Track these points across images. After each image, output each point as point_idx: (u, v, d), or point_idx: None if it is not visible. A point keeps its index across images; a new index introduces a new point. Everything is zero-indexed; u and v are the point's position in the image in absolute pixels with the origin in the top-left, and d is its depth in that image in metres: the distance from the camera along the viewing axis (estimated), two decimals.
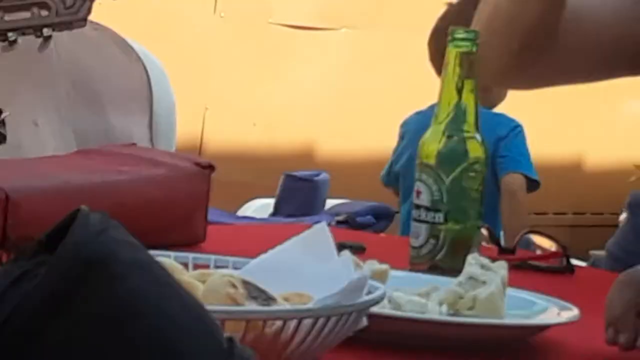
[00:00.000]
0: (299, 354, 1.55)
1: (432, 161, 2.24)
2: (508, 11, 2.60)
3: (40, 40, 2.18)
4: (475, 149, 2.24)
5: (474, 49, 2.26)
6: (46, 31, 2.17)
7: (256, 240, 1.99)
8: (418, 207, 2.24)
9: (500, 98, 6.53)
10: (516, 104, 6.30)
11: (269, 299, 1.57)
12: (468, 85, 2.26)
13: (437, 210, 2.21)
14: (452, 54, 2.27)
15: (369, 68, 6.09)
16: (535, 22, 2.58)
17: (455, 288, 1.89)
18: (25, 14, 2.18)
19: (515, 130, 6.44)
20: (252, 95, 7.25)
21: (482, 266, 1.91)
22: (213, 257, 1.82)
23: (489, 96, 6.20)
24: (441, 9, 5.43)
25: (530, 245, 2.70)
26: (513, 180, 6.55)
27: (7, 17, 2.19)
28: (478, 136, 2.25)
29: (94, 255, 0.88)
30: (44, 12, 2.16)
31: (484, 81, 2.73)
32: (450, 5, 5.72)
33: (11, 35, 2.16)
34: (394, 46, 5.66)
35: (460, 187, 2.23)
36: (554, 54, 2.61)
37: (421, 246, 2.22)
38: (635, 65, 2.69)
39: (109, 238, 0.89)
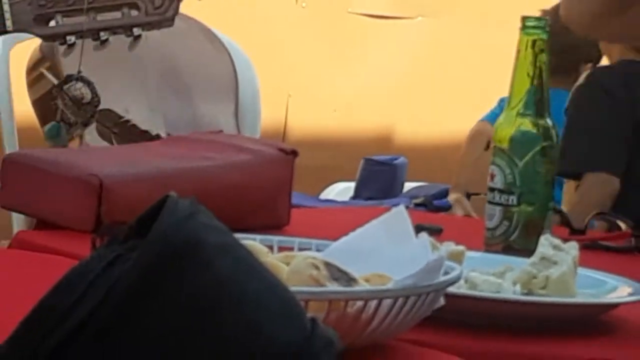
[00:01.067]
0: (379, 333, 1.56)
1: (505, 145, 2.24)
2: None
3: (130, 39, 2.19)
4: (547, 134, 2.23)
5: (545, 36, 2.26)
6: (136, 31, 2.18)
7: (338, 223, 1.99)
8: (492, 189, 2.24)
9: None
10: None
11: (350, 280, 1.57)
12: (539, 71, 2.25)
13: (510, 193, 2.21)
14: (523, 41, 2.27)
15: (444, 55, 6.06)
16: None
17: (529, 268, 1.88)
18: (116, 14, 2.19)
19: None
20: (333, 82, 7.23)
21: (554, 247, 1.91)
22: (297, 239, 1.83)
23: (571, 81, 6.15)
24: None
25: (604, 225, 2.69)
26: None
27: (99, 17, 2.20)
28: (549, 121, 2.24)
29: (183, 240, 0.89)
30: (134, 12, 2.18)
31: (577, 30, 2.80)
32: None
33: (103, 35, 2.18)
34: (469, 35, 5.64)
35: (533, 171, 2.23)
36: (637, 9, 2.61)
37: (495, 227, 2.22)
38: None
39: (196, 223, 0.90)
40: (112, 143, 3.29)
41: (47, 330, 0.84)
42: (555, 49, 5.52)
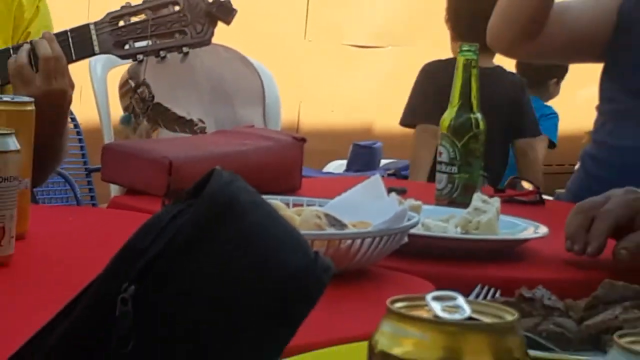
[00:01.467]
0: (362, 262, 1.59)
1: (449, 132, 2.23)
2: (515, 5, 2.59)
3: (181, 55, 2.20)
4: (477, 124, 2.23)
5: (474, 57, 2.24)
6: (185, 49, 2.18)
7: (334, 187, 2.00)
8: (440, 162, 2.24)
9: (553, 95, 6.45)
10: None
11: (342, 226, 1.59)
12: (470, 81, 2.25)
13: (452, 165, 2.21)
14: (460, 60, 2.26)
15: (408, 72, 5.98)
16: (532, 13, 2.56)
17: (466, 215, 1.89)
18: (171, 38, 2.19)
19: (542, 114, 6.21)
20: (331, 92, 7.27)
21: (483, 201, 1.92)
22: (305, 199, 1.87)
23: (545, 92, 6.20)
24: None
25: (518, 186, 2.67)
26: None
27: (158, 42, 2.20)
28: (479, 115, 2.23)
29: (224, 199, 0.89)
30: (182, 36, 2.17)
31: (499, 52, 2.86)
32: None
33: (162, 53, 2.18)
34: (425, 58, 5.61)
35: (468, 149, 2.22)
36: (543, 37, 2.59)
37: (442, 189, 2.22)
38: (596, 54, 2.67)
39: (234, 187, 0.91)
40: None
41: (131, 263, 0.84)
42: (531, 68, 5.58)
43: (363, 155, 5.81)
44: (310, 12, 7.57)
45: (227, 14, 2.19)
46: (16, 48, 2.17)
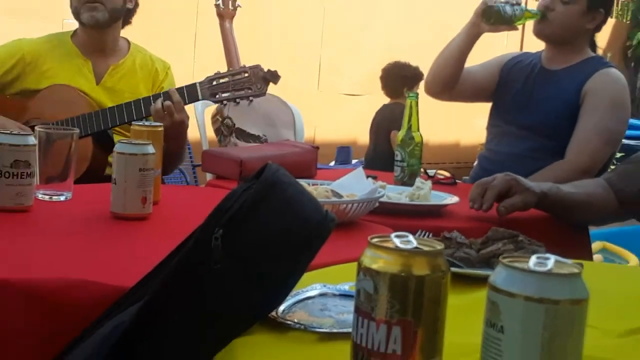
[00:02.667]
0: (352, 216, 1.56)
1: (401, 143, 2.21)
2: (441, 67, 2.56)
3: (248, 101, 2.21)
4: (417, 139, 2.19)
5: (416, 99, 2.20)
6: (250, 98, 2.20)
7: (335, 174, 1.98)
8: (396, 160, 2.20)
9: None
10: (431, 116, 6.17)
11: (340, 196, 1.58)
12: (412, 114, 2.21)
13: (403, 162, 2.18)
14: (408, 102, 2.22)
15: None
16: (450, 73, 2.53)
17: (412, 191, 1.86)
18: (243, 92, 2.20)
19: None
20: (332, 121, 7.24)
21: (421, 183, 1.89)
22: (319, 181, 1.84)
23: None
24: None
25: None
26: None
27: (235, 94, 2.22)
28: (418, 133, 2.20)
29: (272, 180, 0.89)
30: (249, 91, 2.19)
31: (432, 97, 2.68)
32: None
33: (237, 100, 2.20)
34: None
35: (412, 153, 2.19)
36: (457, 88, 2.57)
37: (398, 175, 2.19)
38: (487, 97, 2.65)
39: (279, 174, 0.90)
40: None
41: (220, 216, 0.84)
42: None
43: (342, 154, 5.89)
44: (321, 73, 7.55)
45: (275, 78, 2.21)
46: (156, 97, 2.18)
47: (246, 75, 2.20)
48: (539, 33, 2.52)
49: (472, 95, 2.68)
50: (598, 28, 2.55)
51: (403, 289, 0.66)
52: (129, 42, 2.54)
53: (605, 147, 2.40)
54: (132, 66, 2.49)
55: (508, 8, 2.39)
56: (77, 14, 2.38)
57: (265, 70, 2.21)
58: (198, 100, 2.25)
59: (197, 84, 2.21)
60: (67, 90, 2.34)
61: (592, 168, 2.32)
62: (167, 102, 2.13)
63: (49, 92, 2.35)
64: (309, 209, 0.92)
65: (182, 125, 2.20)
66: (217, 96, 2.22)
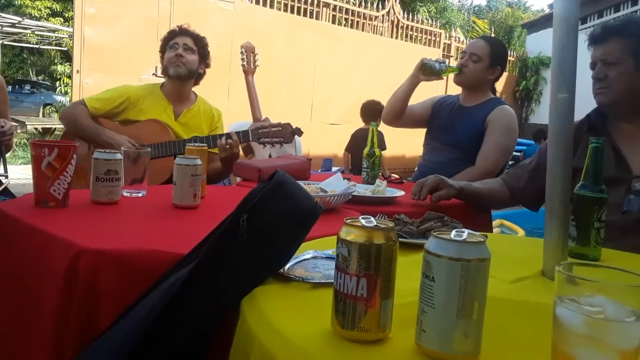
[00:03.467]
0: (333, 206, 1.54)
1: (367, 156, 2.20)
2: (392, 105, 2.56)
3: (279, 146, 2.32)
4: (377, 153, 2.19)
5: (377, 127, 2.21)
6: (284, 144, 2.31)
7: (322, 177, 1.97)
8: (363, 168, 2.21)
9: None
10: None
11: (325, 192, 1.56)
12: (374, 138, 2.20)
13: (368, 169, 2.18)
14: (370, 129, 2.21)
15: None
16: (399, 108, 2.53)
17: (373, 187, 1.85)
18: (276, 138, 2.28)
19: None
20: (321, 143, 7.20)
21: (380, 183, 1.88)
22: (312, 182, 1.81)
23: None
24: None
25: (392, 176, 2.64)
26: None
27: (272, 139, 2.28)
28: (377, 150, 2.20)
29: (280, 181, 0.88)
30: (282, 139, 2.27)
31: (386, 124, 2.68)
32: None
33: (273, 145, 2.31)
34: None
35: (373, 162, 2.19)
36: (403, 118, 2.57)
37: (364, 177, 2.19)
38: (424, 125, 2.66)
39: (285, 177, 0.90)
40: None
41: (245, 205, 0.84)
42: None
43: (326, 164, 5.88)
44: (313, 109, 7.56)
45: (300, 133, 2.31)
46: (220, 136, 2.23)
47: (280, 129, 2.30)
48: (458, 82, 2.56)
49: (413, 123, 2.69)
50: (497, 79, 2.59)
51: (367, 253, 0.67)
52: (196, 94, 2.57)
53: (502, 158, 2.44)
54: (198, 110, 2.51)
55: (437, 65, 2.45)
56: (166, 69, 2.44)
57: (294, 127, 2.32)
58: (249, 141, 2.31)
59: (249, 131, 2.29)
60: (157, 123, 2.37)
61: (493, 172, 2.35)
62: (230, 140, 2.19)
63: (145, 124, 2.37)
64: (305, 200, 0.92)
65: (236, 156, 2.24)
66: (261, 140, 2.30)
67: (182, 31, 2.49)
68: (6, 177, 2.03)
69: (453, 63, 2.71)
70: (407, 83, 2.53)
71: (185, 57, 2.42)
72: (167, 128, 2.37)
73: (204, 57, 2.51)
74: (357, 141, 5.19)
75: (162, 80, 2.53)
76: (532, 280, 0.93)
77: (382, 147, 6.01)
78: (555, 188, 0.91)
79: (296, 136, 3.66)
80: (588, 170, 1.17)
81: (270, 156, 3.20)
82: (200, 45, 2.50)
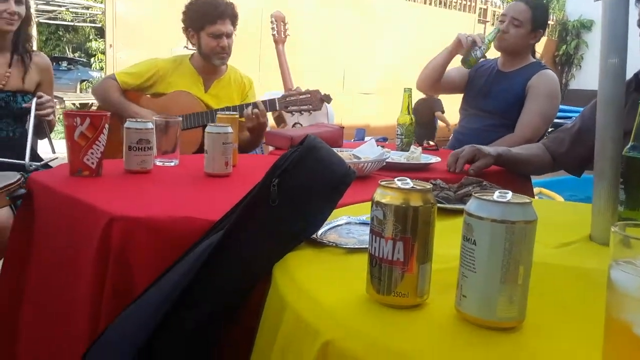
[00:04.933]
0: (367, 172, 1.52)
1: (402, 123, 2.15)
2: (429, 72, 2.47)
3: (308, 114, 2.29)
4: (411, 120, 2.13)
5: (410, 94, 2.15)
6: (311, 111, 2.26)
7: (355, 146, 1.94)
8: (397, 135, 2.17)
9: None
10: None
11: (359, 158, 1.53)
12: (409, 104, 2.15)
13: (402, 135, 2.14)
14: (404, 96, 2.16)
15: (393, 107, 5.82)
16: (436, 76, 2.46)
17: (408, 154, 1.82)
18: (305, 106, 2.25)
19: None
20: (353, 113, 7.13)
21: (415, 149, 1.84)
22: (344, 149, 1.78)
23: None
24: None
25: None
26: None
27: (301, 107, 2.25)
28: (412, 116, 2.14)
29: (312, 145, 0.85)
30: (309, 106, 2.24)
31: (422, 92, 2.64)
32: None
33: (302, 113, 2.27)
34: (392, 101, 5.47)
35: (407, 130, 2.14)
36: (440, 85, 2.50)
37: (399, 144, 2.16)
38: (461, 90, 2.57)
39: (316, 141, 0.87)
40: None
41: (276, 170, 0.82)
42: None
43: (359, 134, 5.78)
44: (345, 79, 7.46)
45: (329, 100, 2.25)
46: (247, 105, 2.20)
47: (308, 96, 2.25)
48: (499, 48, 2.46)
49: (449, 90, 2.61)
50: (538, 41, 2.47)
51: (404, 216, 0.63)
52: (226, 64, 2.53)
53: (543, 125, 2.35)
54: (228, 80, 2.48)
55: (479, 52, 2.33)
56: (207, 58, 2.38)
57: (322, 94, 2.25)
58: (275, 110, 2.28)
59: (276, 99, 2.25)
60: (187, 95, 2.35)
61: (533, 140, 2.26)
62: (255, 110, 2.16)
63: (174, 95, 2.36)
64: (337, 164, 0.89)
65: (263, 125, 2.22)
66: (289, 108, 2.26)
67: (222, 13, 2.36)
68: (54, 154, 2.04)
69: (490, 28, 2.57)
70: (444, 55, 2.44)
71: (228, 46, 2.38)
72: (197, 100, 2.36)
73: (236, 28, 2.45)
74: (418, 110, 5.19)
75: (191, 52, 2.50)
76: (579, 245, 0.88)
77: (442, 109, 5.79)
78: (606, 151, 0.86)
79: (328, 106, 3.60)
80: (638, 130, 1.09)
81: (300, 125, 3.16)
82: (236, 22, 2.43)
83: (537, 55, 2.63)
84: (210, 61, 2.39)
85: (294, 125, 3.13)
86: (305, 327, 0.61)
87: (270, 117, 3.88)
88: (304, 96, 2.25)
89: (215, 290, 0.78)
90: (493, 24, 9.04)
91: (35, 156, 2.06)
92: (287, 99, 2.24)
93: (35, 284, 1.24)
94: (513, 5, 2.46)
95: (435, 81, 2.50)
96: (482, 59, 2.36)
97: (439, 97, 5.85)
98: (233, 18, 2.40)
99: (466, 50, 2.32)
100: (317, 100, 2.24)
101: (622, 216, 1.07)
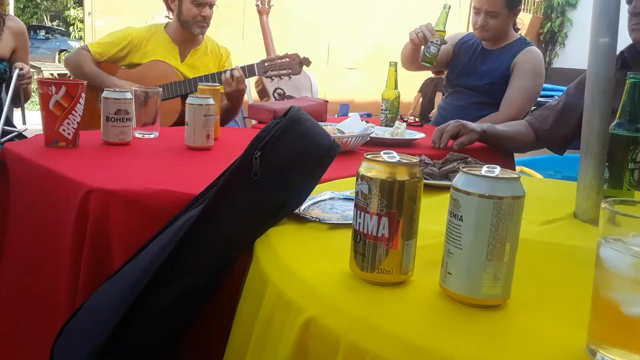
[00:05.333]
0: (351, 147, 1.50)
1: (386, 98, 2.13)
2: (408, 52, 2.37)
3: (287, 77, 2.18)
4: (396, 95, 2.11)
5: (396, 68, 2.12)
6: (290, 75, 2.19)
7: (339, 120, 1.91)
8: (382, 110, 2.15)
9: None
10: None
11: (343, 132, 1.51)
12: (394, 79, 2.12)
13: (387, 110, 2.11)
14: (390, 70, 2.12)
15: (367, 83, 5.76)
16: (411, 60, 2.38)
17: (392, 129, 1.80)
18: (284, 71, 2.20)
19: None
20: (336, 87, 7.06)
21: (399, 124, 1.82)
22: (329, 123, 1.75)
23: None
24: None
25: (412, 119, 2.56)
26: None
27: (280, 72, 2.20)
28: (397, 91, 2.12)
29: (295, 117, 0.83)
30: (289, 70, 2.19)
31: (406, 69, 2.47)
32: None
33: (281, 77, 2.22)
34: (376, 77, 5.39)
35: (394, 104, 2.12)
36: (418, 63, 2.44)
37: (383, 120, 2.13)
38: (444, 67, 2.53)
39: (300, 112, 0.85)
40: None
41: (258, 142, 0.79)
42: None
43: (343, 109, 5.73)
44: (329, 53, 7.38)
45: (308, 62, 2.19)
46: (225, 71, 2.16)
47: (287, 60, 2.19)
48: (483, 39, 2.39)
49: (433, 67, 2.56)
50: (517, 15, 2.43)
51: (389, 190, 0.61)
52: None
53: (527, 103, 2.33)
54: (205, 50, 2.42)
55: (433, 49, 2.14)
56: (187, 25, 2.31)
57: (301, 57, 2.19)
58: (254, 75, 2.22)
59: (255, 65, 2.19)
60: (163, 64, 2.30)
61: (517, 118, 2.24)
62: (235, 73, 2.13)
63: (150, 65, 2.30)
64: (321, 136, 0.87)
65: (242, 91, 2.19)
66: (267, 73, 2.21)
67: None
68: (24, 126, 2.00)
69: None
70: (409, 48, 2.34)
71: (209, 16, 2.32)
72: (172, 69, 2.30)
73: None
74: (424, 88, 5.22)
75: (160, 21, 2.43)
76: (564, 222, 0.87)
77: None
78: (594, 128, 0.85)
79: (312, 79, 3.53)
80: (624, 107, 1.08)
81: (282, 90, 3.10)
82: None
83: (519, 24, 2.57)
84: (190, 29, 2.32)
85: (275, 91, 3.09)
86: (288, 303, 0.60)
87: (253, 91, 3.83)
88: (282, 60, 2.19)
89: (195, 265, 0.76)
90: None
91: (9, 126, 2.00)
92: (266, 64, 2.20)
93: (11, 259, 1.21)
94: None
95: (412, 63, 2.42)
96: (443, 45, 2.16)
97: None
98: None
99: (422, 46, 2.20)
100: (296, 64, 2.18)
101: (605, 195, 1.07)
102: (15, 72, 1.95)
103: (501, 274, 0.58)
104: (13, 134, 1.80)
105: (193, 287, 0.76)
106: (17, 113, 2.20)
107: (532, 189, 1.14)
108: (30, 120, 2.21)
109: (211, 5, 2.33)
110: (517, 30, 2.49)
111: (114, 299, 0.78)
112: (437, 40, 2.15)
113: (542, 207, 0.96)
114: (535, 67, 2.34)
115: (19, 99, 2.07)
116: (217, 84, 1.69)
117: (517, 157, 3.05)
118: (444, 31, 2.17)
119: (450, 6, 2.14)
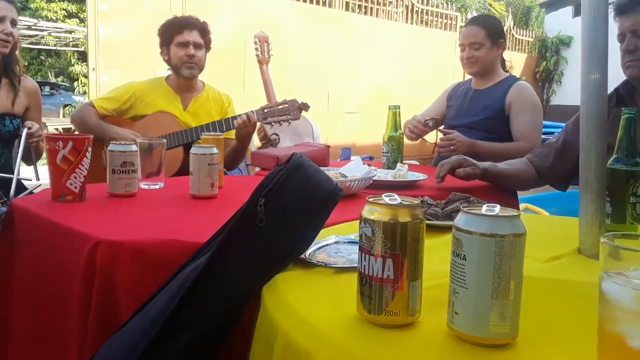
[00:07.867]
0: (354, 190, 1.51)
1: (387, 139, 2.16)
2: (411, 140, 2.45)
3: (286, 123, 2.23)
4: (397, 138, 2.14)
5: (396, 111, 2.16)
6: (289, 122, 2.23)
7: (341, 164, 1.93)
8: (383, 152, 2.17)
9: None
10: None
11: (346, 176, 1.53)
12: (395, 119, 2.16)
13: (388, 152, 2.14)
14: (390, 112, 2.17)
15: (374, 126, 5.81)
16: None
17: (394, 172, 1.82)
18: (283, 117, 2.24)
19: None
20: (338, 132, 7.13)
21: (401, 167, 1.84)
22: (331, 168, 1.76)
23: None
24: None
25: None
26: None
27: (279, 118, 2.24)
28: (398, 132, 2.15)
29: (298, 163, 0.85)
30: (287, 116, 2.22)
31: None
32: None
33: (280, 123, 2.24)
34: (375, 119, 5.46)
35: (394, 146, 2.14)
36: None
37: (385, 162, 2.16)
38: (443, 114, 2.57)
39: (303, 158, 0.87)
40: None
41: (262, 190, 0.81)
42: None
43: (345, 153, 5.75)
44: (329, 99, 7.49)
45: (307, 107, 2.24)
46: (233, 118, 2.23)
47: (286, 106, 2.24)
48: (471, 73, 2.51)
49: (437, 126, 2.62)
50: (503, 50, 2.52)
51: (392, 232, 0.63)
52: (203, 82, 2.53)
53: (538, 135, 2.38)
54: (207, 98, 2.47)
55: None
56: (177, 69, 2.39)
57: (300, 102, 2.24)
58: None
59: (254, 111, 2.24)
60: (165, 115, 2.35)
61: (534, 148, 2.28)
62: (250, 115, 2.20)
63: (153, 117, 2.35)
64: (324, 182, 0.89)
65: (249, 136, 2.30)
66: (267, 120, 2.25)
67: (188, 23, 2.39)
68: (38, 181, 2.02)
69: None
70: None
71: (197, 56, 2.37)
72: (175, 118, 2.35)
73: (208, 46, 2.45)
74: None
75: (163, 74, 2.50)
76: (568, 258, 0.88)
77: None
78: (590, 164, 0.87)
79: (314, 126, 3.57)
80: (621, 142, 1.10)
81: (277, 136, 3.15)
82: (207, 37, 2.44)
83: (507, 66, 2.66)
84: (180, 72, 2.37)
85: (271, 136, 3.14)
86: (297, 349, 0.60)
87: (255, 138, 3.88)
88: (282, 106, 2.24)
89: (203, 313, 0.77)
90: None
91: (20, 188, 2.03)
92: (265, 111, 2.24)
93: (19, 315, 1.20)
94: (466, 32, 2.49)
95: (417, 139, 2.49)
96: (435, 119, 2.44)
97: None
98: (202, 31, 2.41)
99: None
100: (295, 110, 2.23)
101: (608, 229, 1.08)
102: (24, 131, 1.99)
103: (508, 312, 0.59)
104: (26, 192, 1.83)
105: (202, 335, 0.76)
106: (27, 169, 2.23)
107: (536, 226, 1.15)
108: (43, 175, 2.24)
109: (197, 45, 2.38)
110: (506, 70, 2.56)
111: (123, 351, 0.79)
112: (430, 123, 2.39)
113: (546, 243, 0.96)
114: (531, 98, 2.42)
115: (29, 157, 2.11)
116: (220, 133, 1.73)
117: (522, 194, 3.06)
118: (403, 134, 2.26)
119: (398, 106, 2.22)
